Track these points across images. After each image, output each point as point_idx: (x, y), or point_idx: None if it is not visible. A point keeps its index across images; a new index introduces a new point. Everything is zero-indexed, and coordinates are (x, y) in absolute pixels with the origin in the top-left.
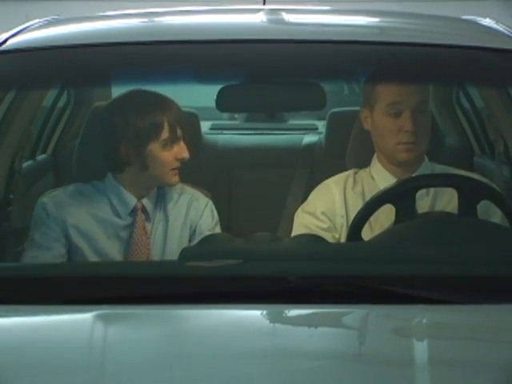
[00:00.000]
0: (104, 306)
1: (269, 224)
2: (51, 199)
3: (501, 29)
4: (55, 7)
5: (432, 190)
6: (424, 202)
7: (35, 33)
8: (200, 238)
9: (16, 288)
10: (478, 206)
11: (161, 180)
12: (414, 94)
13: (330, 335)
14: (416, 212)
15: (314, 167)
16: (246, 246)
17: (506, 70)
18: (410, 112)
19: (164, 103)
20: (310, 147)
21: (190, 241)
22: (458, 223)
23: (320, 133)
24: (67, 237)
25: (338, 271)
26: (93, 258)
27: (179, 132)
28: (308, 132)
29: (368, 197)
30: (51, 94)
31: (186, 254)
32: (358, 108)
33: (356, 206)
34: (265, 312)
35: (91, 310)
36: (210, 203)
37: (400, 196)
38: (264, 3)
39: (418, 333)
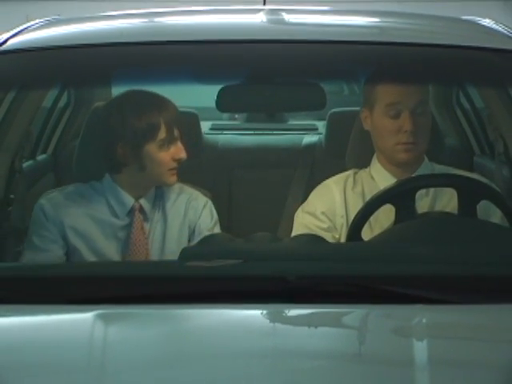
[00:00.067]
0: (104, 306)
1: (269, 224)
2: (49, 201)
3: (500, 29)
4: (55, 7)
5: (432, 190)
6: (424, 202)
7: (36, 33)
8: (199, 238)
9: (16, 288)
10: (477, 206)
11: (158, 180)
12: (414, 94)
13: (330, 335)
14: (416, 212)
15: (313, 167)
16: (246, 246)
17: (505, 70)
18: (410, 112)
19: (161, 103)
20: (310, 147)
21: (189, 241)
22: (458, 223)
23: (320, 133)
24: (65, 238)
25: (338, 271)
26: (91, 258)
27: (176, 132)
28: (308, 132)
29: (368, 197)
30: (52, 94)
31: (186, 253)
32: (357, 108)
33: (356, 206)
34: (265, 312)
35: (91, 310)
36: (209, 203)
37: (400, 196)
38: (264, 3)
39: (418, 333)
